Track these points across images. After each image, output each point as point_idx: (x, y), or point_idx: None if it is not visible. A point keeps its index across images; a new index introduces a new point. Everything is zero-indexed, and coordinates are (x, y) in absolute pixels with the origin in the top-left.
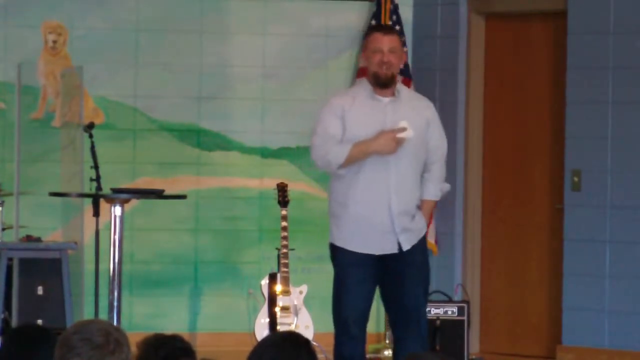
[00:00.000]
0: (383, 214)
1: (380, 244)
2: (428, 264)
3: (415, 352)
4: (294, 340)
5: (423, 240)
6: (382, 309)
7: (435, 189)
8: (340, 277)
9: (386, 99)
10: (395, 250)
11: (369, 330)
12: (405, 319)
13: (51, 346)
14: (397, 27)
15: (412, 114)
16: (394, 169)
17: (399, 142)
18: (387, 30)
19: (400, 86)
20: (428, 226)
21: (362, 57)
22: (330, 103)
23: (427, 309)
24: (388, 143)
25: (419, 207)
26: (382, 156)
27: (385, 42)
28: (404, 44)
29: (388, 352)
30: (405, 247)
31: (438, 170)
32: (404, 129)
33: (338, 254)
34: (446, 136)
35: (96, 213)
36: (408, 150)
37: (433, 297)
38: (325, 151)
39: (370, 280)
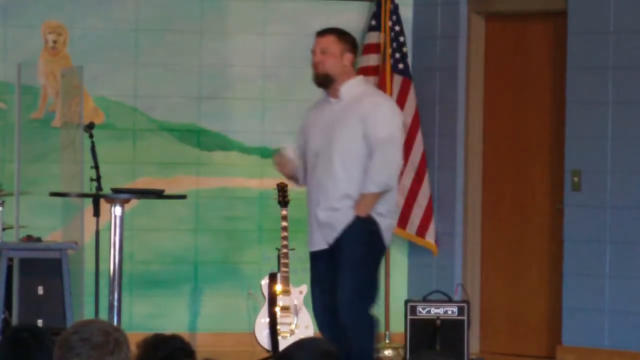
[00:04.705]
0: (313, 211)
1: (314, 241)
2: (364, 245)
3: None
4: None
5: (352, 230)
6: (381, 307)
7: (368, 182)
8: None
9: (334, 101)
10: (324, 246)
11: None
12: (337, 312)
13: (46, 347)
14: (397, 27)
15: (345, 114)
16: (320, 167)
17: (278, 163)
18: (323, 31)
19: (348, 88)
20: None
21: None
22: None
23: (425, 307)
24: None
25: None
26: (313, 154)
27: (317, 43)
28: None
29: (388, 352)
30: (329, 241)
31: (374, 162)
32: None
33: None
34: (446, 136)
35: (96, 213)
36: (335, 147)
37: (433, 297)
38: None
39: (322, 277)
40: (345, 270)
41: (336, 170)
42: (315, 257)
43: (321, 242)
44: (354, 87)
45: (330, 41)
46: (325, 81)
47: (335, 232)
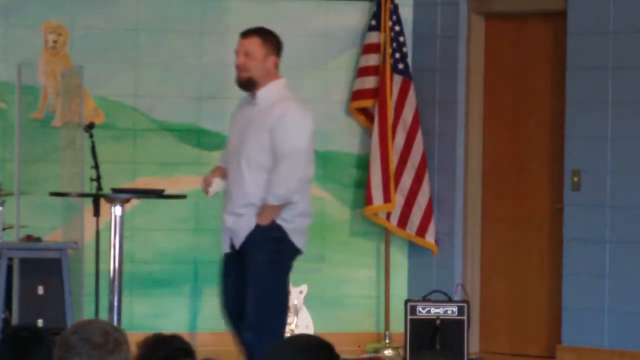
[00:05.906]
0: (222, 214)
1: (222, 243)
2: (267, 253)
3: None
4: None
5: (254, 237)
6: (381, 307)
7: (268, 194)
8: None
9: (254, 102)
10: (230, 250)
11: (368, 329)
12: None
13: (45, 347)
14: (397, 27)
15: (258, 121)
16: (231, 171)
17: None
18: (246, 33)
19: (266, 91)
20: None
21: None
22: None
23: (425, 307)
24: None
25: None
26: (229, 156)
27: (241, 44)
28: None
29: (388, 352)
30: (235, 246)
31: (275, 175)
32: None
33: None
34: (446, 136)
35: (96, 213)
36: (244, 155)
37: (433, 296)
38: None
39: (228, 281)
40: (250, 279)
41: (243, 177)
42: (226, 259)
43: (228, 246)
44: (271, 92)
45: (253, 44)
46: (248, 85)
47: (240, 238)
